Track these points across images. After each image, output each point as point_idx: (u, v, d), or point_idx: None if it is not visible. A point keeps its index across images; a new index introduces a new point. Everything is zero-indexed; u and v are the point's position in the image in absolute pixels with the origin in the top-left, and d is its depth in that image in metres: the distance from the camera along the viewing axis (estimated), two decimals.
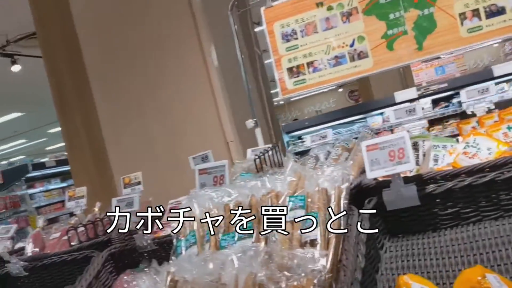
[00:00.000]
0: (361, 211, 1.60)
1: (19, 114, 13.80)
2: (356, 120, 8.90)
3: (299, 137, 9.78)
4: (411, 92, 7.02)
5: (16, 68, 8.76)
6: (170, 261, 1.63)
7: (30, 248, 2.51)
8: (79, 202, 2.81)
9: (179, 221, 1.76)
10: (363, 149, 1.62)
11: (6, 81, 9.91)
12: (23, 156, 19.52)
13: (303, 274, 1.34)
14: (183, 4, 4.04)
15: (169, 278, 1.43)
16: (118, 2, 4.25)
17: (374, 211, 1.65)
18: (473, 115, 1.99)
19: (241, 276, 1.35)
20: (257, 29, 4.89)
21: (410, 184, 1.60)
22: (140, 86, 4.15)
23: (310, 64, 2.87)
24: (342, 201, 1.60)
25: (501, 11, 2.34)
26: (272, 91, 5.05)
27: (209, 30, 4.00)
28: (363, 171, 2.08)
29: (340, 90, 22.01)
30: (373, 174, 1.60)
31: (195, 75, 3.97)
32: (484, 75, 6.87)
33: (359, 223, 1.56)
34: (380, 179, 1.71)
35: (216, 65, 3.99)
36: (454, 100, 7.44)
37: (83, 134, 3.96)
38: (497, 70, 6.27)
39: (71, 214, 2.90)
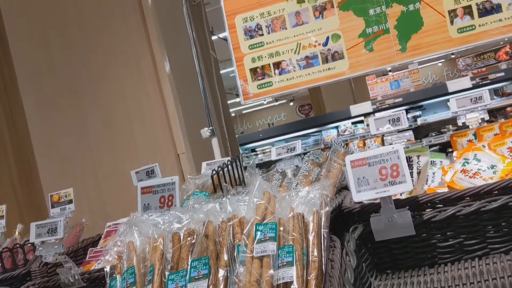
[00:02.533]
0: (345, 243, 1.28)
1: None
2: (310, 133, 8.78)
3: (252, 150, 9.54)
4: (366, 106, 6.96)
5: None
6: None
7: None
8: None
9: (112, 254, 1.38)
10: (347, 165, 1.31)
11: None
12: None
13: None
14: (132, 0, 3.65)
15: None
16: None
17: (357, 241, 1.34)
18: (466, 126, 1.74)
19: None
20: (213, 38, 4.56)
21: (403, 209, 1.31)
22: (79, 87, 3.68)
23: (277, 64, 2.52)
24: (322, 230, 1.28)
25: (496, 8, 2.12)
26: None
27: (160, 30, 3.63)
28: (338, 191, 1.78)
29: (291, 104, 22.07)
30: (361, 196, 1.29)
31: (145, 78, 3.57)
32: (440, 90, 6.90)
33: (343, 259, 1.24)
34: (366, 201, 1.41)
35: (168, 69, 3.61)
36: (409, 115, 7.43)
37: (7, 140, 3.44)
38: (452, 85, 6.28)
39: None
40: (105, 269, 1.43)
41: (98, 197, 3.53)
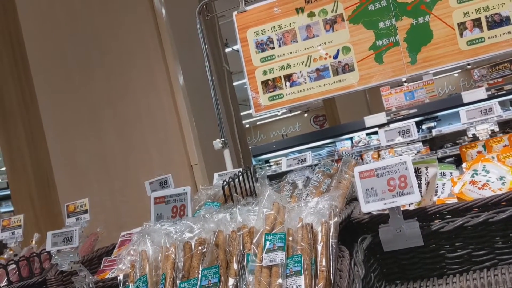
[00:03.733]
0: (354, 254, 1.30)
1: None
2: (324, 144, 8.77)
3: (266, 161, 9.56)
4: (381, 117, 6.94)
5: None
6: None
7: None
8: (14, 233, 2.40)
9: (125, 263, 1.41)
10: (356, 176, 1.33)
11: None
12: None
13: None
14: (147, 16, 3.73)
15: None
16: (74, 13, 3.90)
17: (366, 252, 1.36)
18: (476, 138, 1.75)
19: None
20: (227, 50, 4.62)
21: (411, 220, 1.32)
22: (96, 101, 3.76)
23: (288, 77, 2.56)
24: (330, 241, 1.30)
25: (505, 21, 2.12)
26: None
27: (174, 44, 3.70)
28: (348, 202, 1.80)
29: (306, 115, 22.06)
30: (369, 207, 1.31)
31: (159, 90, 3.63)
32: (455, 101, 6.86)
33: (352, 269, 1.26)
34: (375, 212, 1.42)
35: (182, 82, 3.67)
36: (424, 126, 7.39)
37: (26, 151, 3.52)
38: (467, 96, 6.25)
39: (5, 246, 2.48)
40: (118, 278, 1.46)
41: (113, 208, 3.58)
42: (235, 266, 1.27)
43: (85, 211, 2.25)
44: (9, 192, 4.17)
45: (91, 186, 3.68)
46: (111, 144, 3.70)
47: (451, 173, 1.68)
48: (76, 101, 3.80)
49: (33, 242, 2.35)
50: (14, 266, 2.07)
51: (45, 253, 2.15)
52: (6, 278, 2.02)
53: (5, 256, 2.34)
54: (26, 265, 2.09)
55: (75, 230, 1.65)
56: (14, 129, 3.61)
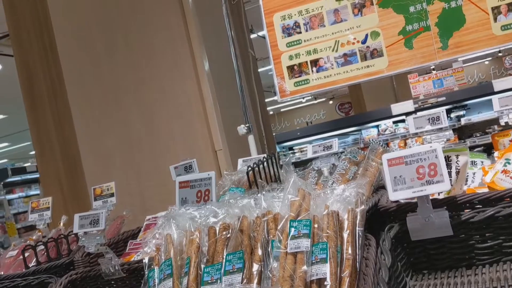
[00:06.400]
0: (381, 242, 1.27)
1: (1, 116, 13.30)
2: (349, 132, 8.67)
3: (290, 148, 9.52)
4: (408, 105, 6.81)
5: None
6: None
7: None
8: (43, 215, 2.45)
9: (150, 246, 1.42)
10: (384, 164, 1.30)
11: None
12: (5, 160, 18.97)
13: None
14: (172, 1, 3.72)
15: None
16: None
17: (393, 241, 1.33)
18: (508, 126, 1.69)
19: None
20: (252, 36, 4.58)
21: (441, 209, 1.29)
22: (121, 86, 3.79)
23: (314, 62, 2.51)
24: (357, 229, 1.28)
25: None
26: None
27: (200, 29, 3.69)
28: (375, 190, 1.76)
29: (331, 102, 21.84)
30: (397, 195, 1.28)
31: (184, 76, 3.63)
32: (485, 89, 6.67)
33: (378, 258, 1.23)
34: (402, 201, 1.39)
35: (207, 68, 3.66)
36: (453, 115, 7.23)
37: (54, 136, 3.58)
38: (498, 84, 6.07)
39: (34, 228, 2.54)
40: (143, 261, 1.47)
41: (139, 191, 3.62)
42: (259, 252, 1.26)
43: (112, 195, 2.28)
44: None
45: (118, 170, 3.73)
46: (137, 128, 3.74)
47: (482, 162, 1.63)
48: (102, 85, 3.84)
49: (61, 224, 2.39)
50: (42, 247, 2.11)
51: (73, 235, 2.19)
52: (35, 259, 2.07)
53: (34, 237, 2.40)
54: (54, 246, 2.14)
55: (102, 212, 1.67)
56: (43, 113, 3.68)
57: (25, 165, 11.95)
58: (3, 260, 2.23)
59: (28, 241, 2.31)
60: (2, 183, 10.74)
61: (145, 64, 3.76)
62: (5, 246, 8.64)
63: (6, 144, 17.45)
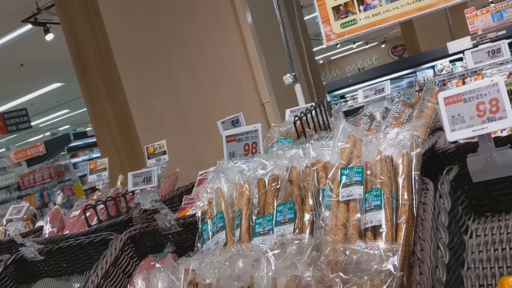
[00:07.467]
0: (439, 185, 1.20)
1: (59, 84, 13.82)
2: (404, 75, 8.32)
3: (342, 96, 9.30)
4: (466, 42, 6.41)
5: (49, 37, 8.59)
6: (191, 255, 1.30)
7: (47, 229, 2.27)
8: (101, 176, 2.54)
9: (203, 201, 1.43)
10: (440, 103, 1.21)
11: (42, 51, 9.80)
12: (68, 126, 19.91)
13: (365, 277, 0.98)
14: None
15: (187, 280, 1.10)
16: None
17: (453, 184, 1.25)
18: None
19: (280, 280, 1.00)
20: None
21: (504, 148, 1.19)
22: (166, 45, 3.78)
23: (361, 0, 2.36)
24: (413, 173, 1.21)
25: None
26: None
27: None
28: (432, 132, 1.67)
29: (383, 46, 21.00)
30: (456, 135, 1.19)
31: (226, 30, 3.56)
32: None
33: (437, 202, 1.17)
34: (461, 141, 1.30)
35: (250, 19, 3.57)
36: None
37: (106, 99, 3.68)
38: None
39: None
40: (197, 214, 1.48)
41: (190, 148, 3.67)
42: (310, 201, 1.23)
43: (164, 152, 2.31)
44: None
45: (168, 129, 3.79)
46: (183, 86, 3.75)
47: None
48: (147, 47, 3.86)
49: (119, 183, 2.46)
50: (102, 206, 2.19)
51: (130, 193, 2.26)
52: (96, 217, 2.16)
53: (94, 197, 2.49)
54: (113, 204, 2.21)
55: (153, 170, 1.70)
56: (93, 79, 3.77)
57: (86, 129, 12.45)
58: (68, 219, 2.34)
59: (89, 201, 2.41)
60: (66, 148, 11.29)
61: (186, 21, 3.72)
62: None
63: (66, 110, 18.24)
